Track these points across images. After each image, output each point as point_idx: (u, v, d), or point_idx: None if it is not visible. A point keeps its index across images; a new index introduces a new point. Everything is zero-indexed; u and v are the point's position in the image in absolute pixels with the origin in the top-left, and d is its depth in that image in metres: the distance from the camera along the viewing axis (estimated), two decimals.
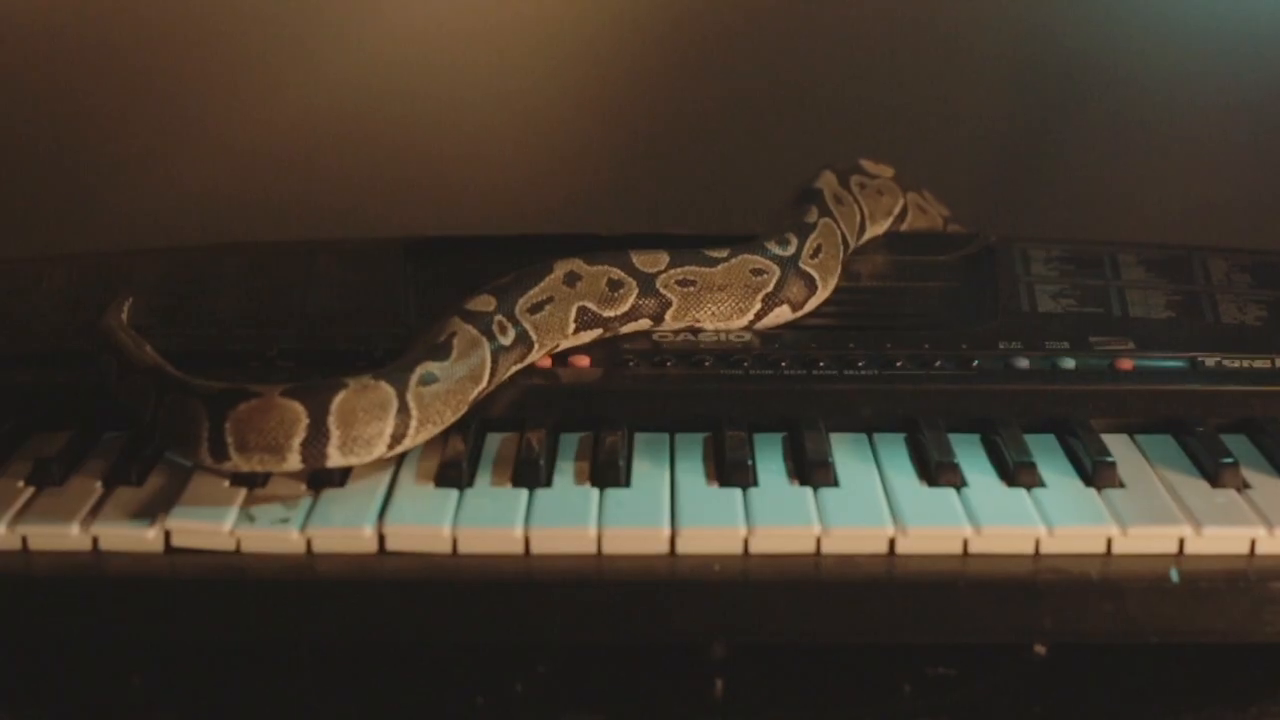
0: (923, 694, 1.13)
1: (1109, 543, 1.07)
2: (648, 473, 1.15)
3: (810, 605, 1.05)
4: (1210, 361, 1.28)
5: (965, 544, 1.07)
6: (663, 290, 1.29)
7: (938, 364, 1.27)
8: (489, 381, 1.20)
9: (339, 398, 1.09)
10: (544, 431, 1.19)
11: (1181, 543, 1.07)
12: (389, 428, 1.11)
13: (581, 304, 1.27)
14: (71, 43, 1.75)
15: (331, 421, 1.09)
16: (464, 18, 1.76)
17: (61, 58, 1.75)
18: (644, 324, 1.30)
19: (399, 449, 1.13)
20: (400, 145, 1.77)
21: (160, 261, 1.40)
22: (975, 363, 1.27)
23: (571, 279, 1.27)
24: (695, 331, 1.32)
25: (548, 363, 1.27)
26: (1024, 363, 1.27)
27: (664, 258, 1.30)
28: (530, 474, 1.13)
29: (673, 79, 1.77)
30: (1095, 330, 1.32)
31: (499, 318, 1.21)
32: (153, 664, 1.13)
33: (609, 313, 1.28)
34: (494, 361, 1.20)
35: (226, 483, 1.13)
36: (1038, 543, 1.07)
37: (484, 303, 1.22)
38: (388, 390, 1.11)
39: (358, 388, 1.10)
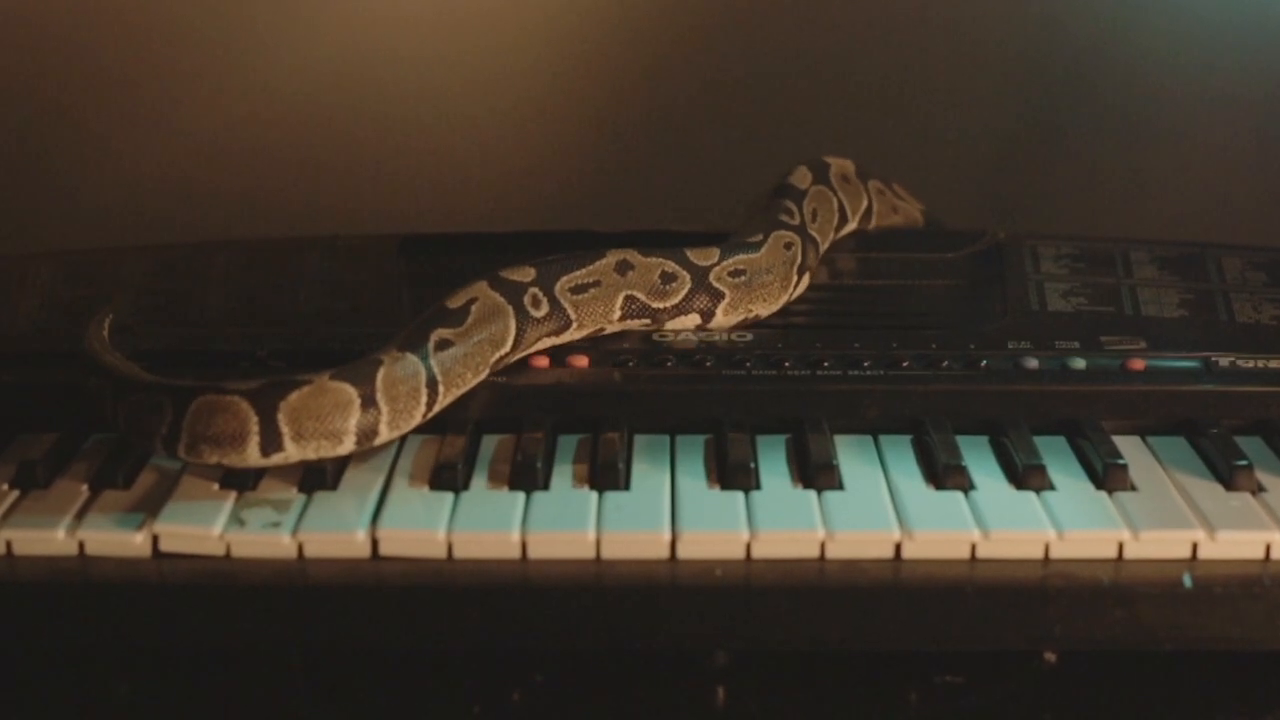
0: (929, 702, 1.12)
1: (1120, 547, 1.06)
2: (648, 475, 1.14)
3: (814, 611, 1.04)
4: (1224, 361, 1.27)
5: (973, 548, 1.06)
6: (715, 283, 1.29)
7: (945, 364, 1.26)
8: (513, 348, 1.21)
9: (381, 373, 1.12)
10: (542, 433, 1.18)
11: (1195, 547, 1.06)
12: (424, 395, 1.14)
13: (629, 293, 1.27)
14: (54, 36, 1.75)
15: (380, 398, 1.11)
16: (456, 11, 1.76)
17: (43, 51, 1.75)
18: (693, 319, 1.30)
19: (430, 415, 1.15)
20: (391, 141, 1.77)
21: (147, 260, 1.40)
22: (983, 363, 1.26)
23: (623, 268, 1.27)
24: (701, 330, 1.31)
25: (545, 362, 1.26)
26: (1033, 363, 1.26)
27: (714, 251, 1.30)
28: (527, 477, 1.12)
29: (669, 72, 1.77)
30: (1106, 329, 1.31)
31: (534, 290, 1.23)
32: (140, 671, 1.12)
33: (658, 304, 1.28)
34: (519, 330, 1.21)
35: (216, 485, 1.12)
36: (1047, 547, 1.06)
37: (522, 273, 1.23)
38: (414, 360, 1.14)
39: (391, 361, 1.13)
